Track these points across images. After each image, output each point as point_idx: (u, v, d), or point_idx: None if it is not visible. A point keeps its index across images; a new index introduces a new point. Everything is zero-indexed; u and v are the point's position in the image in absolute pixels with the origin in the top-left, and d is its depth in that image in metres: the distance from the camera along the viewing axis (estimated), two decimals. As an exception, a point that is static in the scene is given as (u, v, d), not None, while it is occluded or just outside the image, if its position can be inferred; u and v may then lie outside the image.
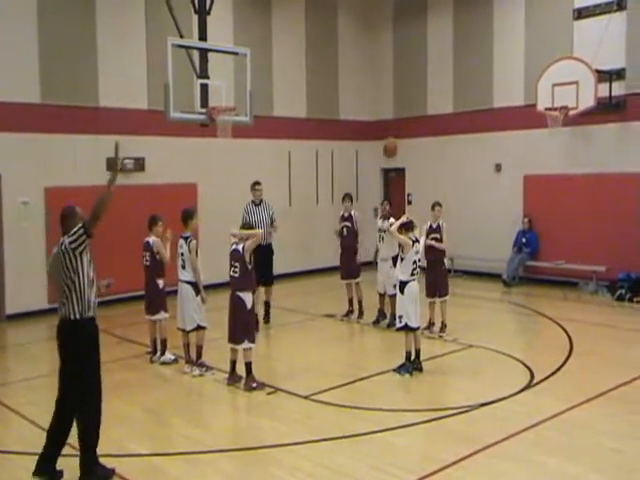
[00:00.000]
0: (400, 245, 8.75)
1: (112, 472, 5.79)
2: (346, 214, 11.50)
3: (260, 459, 6.22)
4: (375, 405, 7.50)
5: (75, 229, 5.56)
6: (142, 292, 9.59)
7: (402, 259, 8.65)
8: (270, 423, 7.10)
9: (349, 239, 11.45)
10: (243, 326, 8.05)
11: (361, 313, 11.62)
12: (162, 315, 9.21)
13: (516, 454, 6.14)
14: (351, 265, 11.47)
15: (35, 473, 5.66)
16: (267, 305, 11.38)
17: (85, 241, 5.55)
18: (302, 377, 8.55)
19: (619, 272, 13.17)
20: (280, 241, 11.87)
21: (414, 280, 8.60)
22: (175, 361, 9.15)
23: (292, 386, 8.09)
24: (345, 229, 11.47)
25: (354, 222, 11.44)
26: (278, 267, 11.48)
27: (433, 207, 10.55)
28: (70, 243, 5.56)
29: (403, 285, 8.57)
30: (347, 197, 11.59)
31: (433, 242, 10.25)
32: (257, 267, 8.44)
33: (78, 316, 5.67)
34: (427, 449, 6.48)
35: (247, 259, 8.02)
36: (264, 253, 10.47)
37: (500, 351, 9.50)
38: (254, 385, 8.02)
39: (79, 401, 5.71)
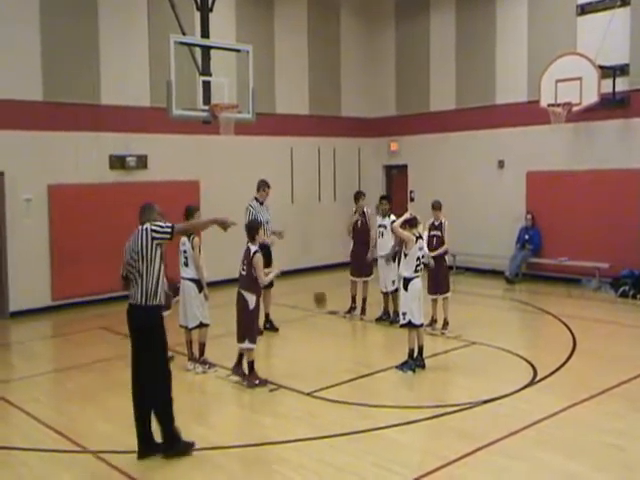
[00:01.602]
0: (403, 241, 8.73)
1: (192, 445, 6.18)
2: (360, 212, 11.46)
3: (263, 456, 6.23)
4: (378, 402, 7.51)
5: (164, 224, 6.06)
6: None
7: (405, 255, 8.63)
8: (273, 420, 7.12)
9: (363, 234, 11.37)
10: (244, 326, 8.08)
11: (363, 310, 11.61)
12: None
13: (518, 451, 6.13)
14: (362, 262, 11.42)
15: (140, 457, 6.08)
16: (267, 317, 10.88)
17: (166, 239, 6.05)
18: (305, 374, 8.55)
19: (622, 269, 13.13)
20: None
21: (418, 277, 8.58)
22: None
23: (295, 383, 8.09)
24: (359, 222, 11.41)
25: (367, 219, 11.43)
26: (280, 264, 11.42)
27: (433, 207, 10.56)
28: (152, 231, 6.00)
29: (407, 282, 8.55)
30: (362, 196, 11.56)
31: (430, 255, 10.20)
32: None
33: (144, 302, 6.02)
34: (429, 446, 6.49)
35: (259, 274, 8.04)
36: (264, 253, 10.23)
37: (503, 348, 9.49)
38: (256, 382, 8.03)
39: (149, 381, 6.11)
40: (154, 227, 6.03)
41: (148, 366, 6.11)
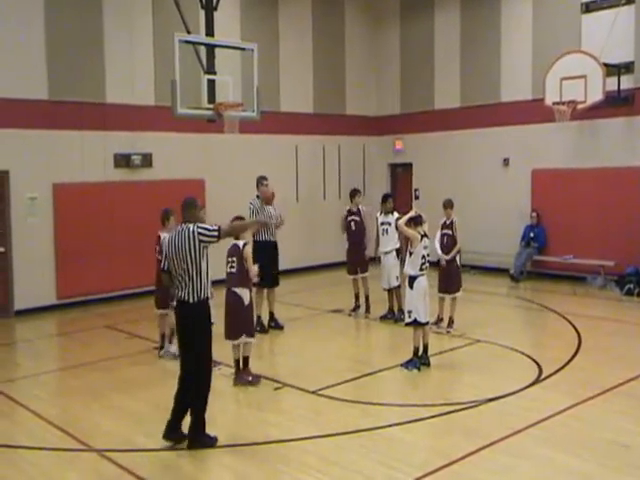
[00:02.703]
0: (408, 239, 8.72)
1: (215, 440, 6.29)
2: (354, 209, 11.50)
3: (268, 455, 6.23)
4: (383, 400, 7.52)
5: (211, 227, 6.11)
6: (150, 287, 9.59)
7: (410, 253, 8.62)
8: (277, 419, 7.12)
9: (357, 234, 11.45)
10: (241, 322, 8.02)
11: (368, 308, 11.62)
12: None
13: (523, 450, 6.12)
14: (358, 260, 11.47)
15: (164, 437, 6.26)
16: (271, 315, 10.83)
17: (213, 241, 6.13)
18: (309, 372, 8.56)
19: (627, 267, 13.10)
20: (286, 236, 11.82)
21: (423, 275, 8.57)
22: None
23: (299, 381, 8.09)
24: (353, 223, 11.47)
25: (362, 217, 11.45)
26: (284, 263, 11.42)
27: (444, 206, 10.52)
28: (200, 234, 6.05)
29: (412, 280, 8.53)
30: (358, 193, 11.64)
31: (444, 257, 10.27)
32: (261, 267, 8.29)
33: (196, 300, 6.18)
34: (434, 444, 6.48)
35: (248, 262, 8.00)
36: (268, 250, 10.25)
37: (508, 346, 9.48)
38: (249, 379, 8.01)
39: (195, 370, 6.28)
40: (200, 230, 6.05)
41: (194, 355, 6.22)
